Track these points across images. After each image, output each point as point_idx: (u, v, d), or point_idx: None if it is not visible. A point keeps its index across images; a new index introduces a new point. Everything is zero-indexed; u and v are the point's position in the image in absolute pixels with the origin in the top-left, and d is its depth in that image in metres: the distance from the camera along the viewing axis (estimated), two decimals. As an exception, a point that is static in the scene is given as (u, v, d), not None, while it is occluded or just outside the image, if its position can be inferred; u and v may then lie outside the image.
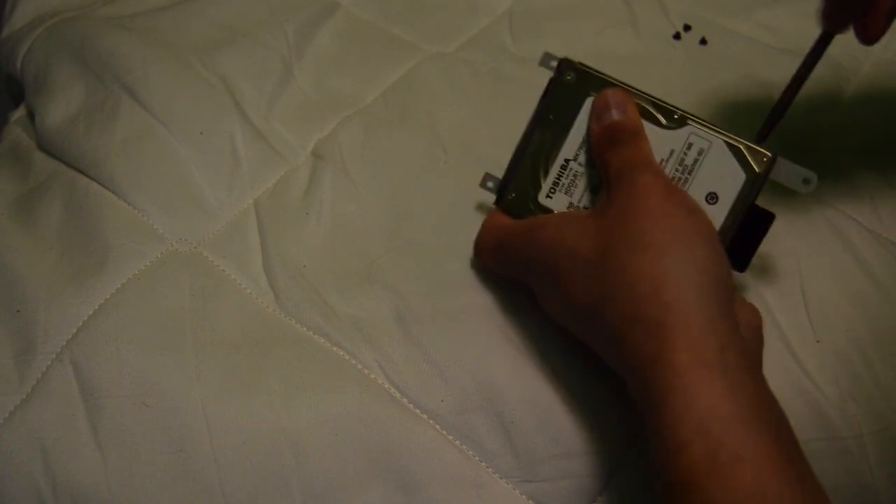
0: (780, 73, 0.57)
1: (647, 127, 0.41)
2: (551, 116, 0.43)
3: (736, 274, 0.46)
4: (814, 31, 0.45)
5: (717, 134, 0.41)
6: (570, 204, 0.43)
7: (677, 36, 0.61)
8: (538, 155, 0.44)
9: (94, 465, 0.41)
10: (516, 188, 0.44)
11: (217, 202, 0.51)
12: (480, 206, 0.49)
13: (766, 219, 0.41)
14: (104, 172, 0.51)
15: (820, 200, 0.50)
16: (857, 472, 0.42)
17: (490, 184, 0.46)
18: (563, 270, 0.38)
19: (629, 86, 0.43)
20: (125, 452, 0.41)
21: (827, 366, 0.44)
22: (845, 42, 0.60)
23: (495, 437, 0.43)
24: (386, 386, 0.44)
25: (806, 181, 0.40)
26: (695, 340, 0.33)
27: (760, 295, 0.45)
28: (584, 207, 0.43)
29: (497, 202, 0.45)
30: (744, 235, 0.41)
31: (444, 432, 0.43)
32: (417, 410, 0.43)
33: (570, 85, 0.43)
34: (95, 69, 0.55)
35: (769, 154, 0.40)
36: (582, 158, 0.43)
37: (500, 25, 0.61)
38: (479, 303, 0.46)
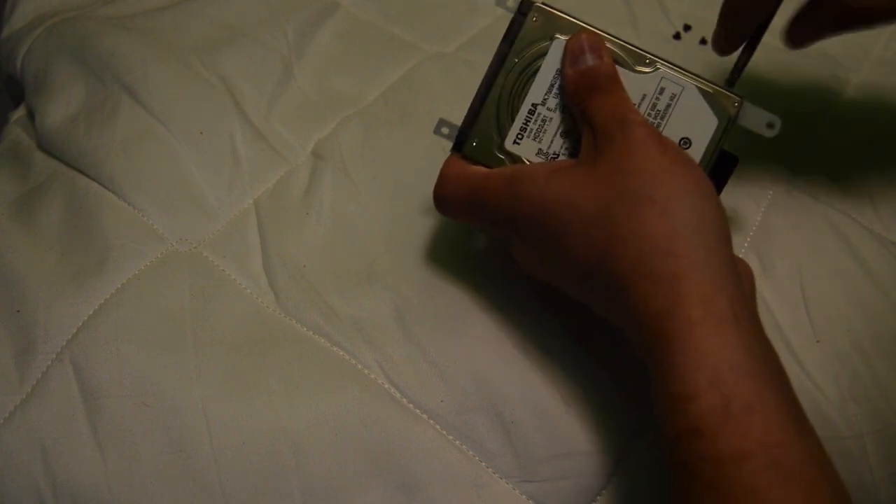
0: (780, 71, 0.57)
1: (619, 71, 0.40)
2: (516, 60, 0.42)
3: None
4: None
5: (688, 78, 0.41)
6: (540, 150, 0.42)
7: (677, 36, 0.61)
8: (502, 100, 0.42)
9: (94, 465, 0.41)
10: (479, 134, 0.42)
11: (217, 202, 0.51)
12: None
13: (731, 162, 0.41)
14: (104, 172, 0.51)
15: (820, 200, 0.50)
16: (857, 472, 0.42)
17: (445, 130, 0.43)
18: (559, 227, 0.37)
19: (597, 28, 0.41)
20: (125, 452, 0.41)
21: (827, 366, 0.44)
22: (846, 41, 0.60)
23: (495, 437, 0.43)
24: (386, 386, 0.44)
25: (770, 125, 0.40)
26: (707, 293, 0.33)
27: (761, 295, 0.45)
28: (555, 153, 0.42)
29: (456, 148, 0.43)
30: (711, 178, 0.40)
31: (444, 432, 0.43)
32: (417, 410, 0.43)
33: (534, 27, 0.42)
34: (95, 69, 0.55)
35: (739, 98, 0.40)
36: (551, 103, 0.41)
37: (500, 25, 0.60)
38: (479, 303, 0.46)
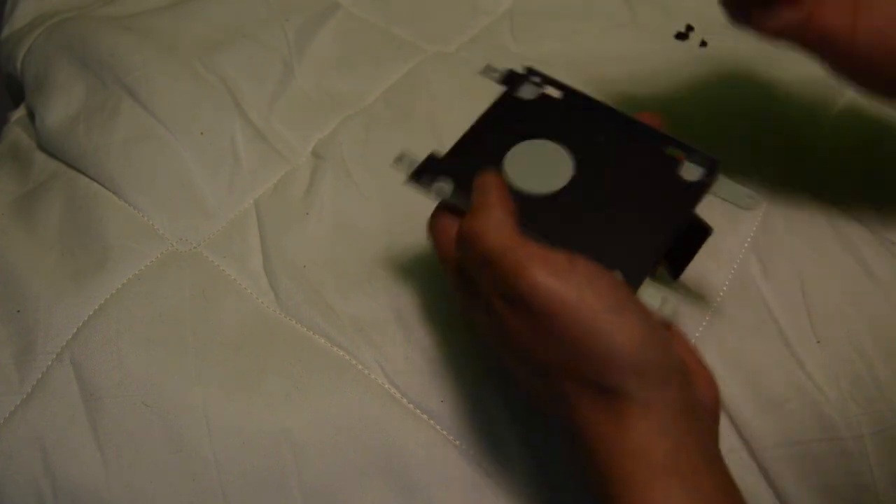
0: (781, 72, 0.57)
1: None
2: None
3: (738, 271, 0.46)
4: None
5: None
6: None
7: (679, 36, 0.61)
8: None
9: (94, 465, 0.41)
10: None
11: (217, 202, 0.51)
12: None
13: (704, 232, 0.40)
14: (104, 172, 0.51)
15: (820, 200, 0.50)
16: (857, 472, 0.42)
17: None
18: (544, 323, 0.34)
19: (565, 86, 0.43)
20: (125, 452, 0.41)
21: (827, 366, 0.43)
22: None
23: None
24: (386, 386, 0.44)
25: (749, 198, 0.40)
26: (648, 445, 0.32)
27: (761, 296, 0.45)
28: None
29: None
30: (682, 245, 0.40)
31: (445, 432, 0.43)
32: (417, 410, 0.43)
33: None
34: (95, 69, 0.55)
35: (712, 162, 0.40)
36: None
37: (500, 25, 0.61)
38: (479, 303, 0.46)
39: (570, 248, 0.35)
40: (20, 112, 0.60)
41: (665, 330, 0.35)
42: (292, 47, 0.58)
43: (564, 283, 0.33)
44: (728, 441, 0.42)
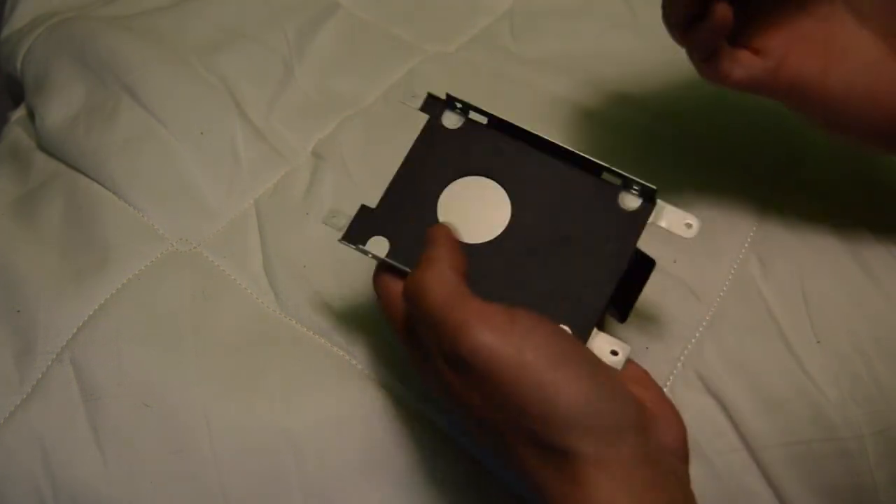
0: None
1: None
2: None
3: (738, 271, 0.46)
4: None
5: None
6: None
7: (678, 36, 0.60)
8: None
9: (94, 465, 0.41)
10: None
11: (217, 202, 0.51)
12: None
13: (649, 265, 0.38)
14: (104, 172, 0.51)
15: (820, 200, 0.50)
16: (857, 472, 0.42)
17: None
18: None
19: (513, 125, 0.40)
20: (125, 452, 0.41)
21: (827, 366, 0.43)
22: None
23: (495, 437, 0.43)
24: (386, 386, 0.44)
25: (687, 225, 0.38)
26: (608, 499, 0.31)
27: (761, 295, 0.45)
28: None
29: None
30: (628, 282, 0.37)
31: (445, 432, 0.43)
32: (417, 410, 0.43)
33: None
34: (95, 69, 0.55)
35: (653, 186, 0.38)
36: None
37: (500, 25, 0.61)
38: (479, 303, 0.46)
39: (514, 299, 0.34)
40: (20, 112, 0.60)
41: (616, 378, 0.34)
42: (292, 47, 0.58)
43: (504, 341, 0.32)
44: (728, 441, 0.42)
